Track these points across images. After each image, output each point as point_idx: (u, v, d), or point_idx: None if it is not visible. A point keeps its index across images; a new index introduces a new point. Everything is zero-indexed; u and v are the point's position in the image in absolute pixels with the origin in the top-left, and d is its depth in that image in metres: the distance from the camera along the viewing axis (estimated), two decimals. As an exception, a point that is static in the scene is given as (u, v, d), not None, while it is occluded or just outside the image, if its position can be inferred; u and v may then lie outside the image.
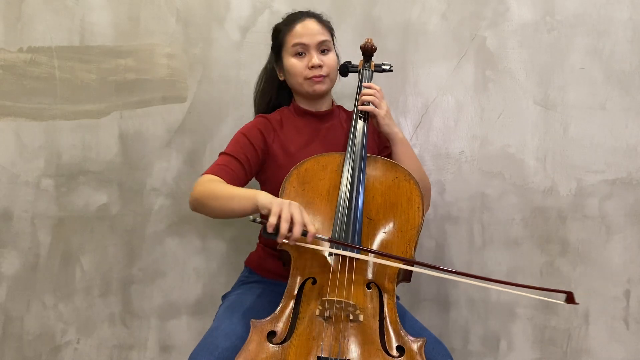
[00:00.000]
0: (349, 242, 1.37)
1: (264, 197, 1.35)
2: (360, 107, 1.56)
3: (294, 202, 1.31)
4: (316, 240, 1.32)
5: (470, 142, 1.91)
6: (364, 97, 1.56)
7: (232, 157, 1.55)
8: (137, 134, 1.93)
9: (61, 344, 1.95)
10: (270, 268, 1.62)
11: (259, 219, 1.30)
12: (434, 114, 1.92)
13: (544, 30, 1.90)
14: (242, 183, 1.56)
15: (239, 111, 1.92)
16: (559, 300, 1.33)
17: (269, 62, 1.72)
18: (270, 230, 1.28)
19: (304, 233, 1.29)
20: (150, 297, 1.95)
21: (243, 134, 1.59)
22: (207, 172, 1.53)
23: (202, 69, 1.93)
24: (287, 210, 1.28)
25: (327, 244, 1.36)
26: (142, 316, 1.95)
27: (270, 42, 1.69)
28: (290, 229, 1.28)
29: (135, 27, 1.93)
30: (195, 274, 1.95)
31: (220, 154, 1.58)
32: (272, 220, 1.27)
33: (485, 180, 1.91)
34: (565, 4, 1.89)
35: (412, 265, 1.39)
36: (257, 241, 1.73)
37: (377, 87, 1.58)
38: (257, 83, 1.75)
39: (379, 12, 1.92)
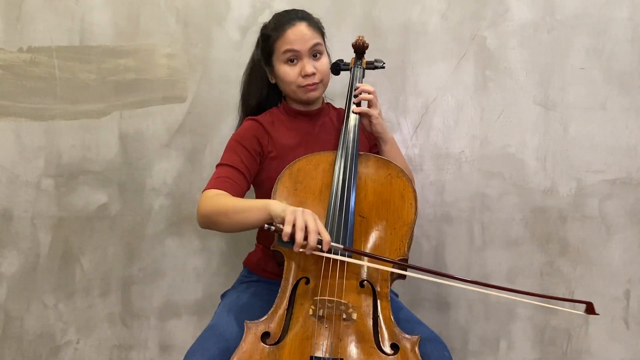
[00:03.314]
0: (341, 240, 1.36)
1: (276, 206, 1.32)
2: (356, 110, 1.55)
3: (307, 210, 1.29)
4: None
5: (470, 142, 1.91)
6: (362, 97, 1.55)
7: (232, 168, 1.51)
8: (137, 134, 1.93)
9: (61, 344, 1.95)
10: (268, 268, 1.62)
11: (273, 228, 1.28)
12: (434, 114, 1.92)
13: (544, 30, 1.90)
14: (245, 192, 1.54)
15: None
16: (579, 310, 1.32)
17: (256, 62, 1.67)
18: (285, 239, 1.26)
19: (319, 242, 1.27)
20: (150, 297, 1.95)
21: (238, 142, 1.56)
22: (208, 187, 1.48)
23: (202, 69, 1.93)
24: (301, 219, 1.26)
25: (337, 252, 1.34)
26: (142, 316, 1.95)
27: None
28: (305, 237, 1.26)
29: (135, 27, 1.93)
30: (195, 274, 1.95)
31: (218, 165, 1.54)
32: (287, 229, 1.25)
33: (485, 180, 1.91)
34: (565, 4, 1.89)
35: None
36: (256, 241, 1.72)
37: (372, 89, 1.56)
38: (245, 83, 1.71)
39: (379, 12, 1.92)
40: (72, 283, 1.94)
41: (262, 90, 1.67)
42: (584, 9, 1.89)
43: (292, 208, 1.30)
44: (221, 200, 1.42)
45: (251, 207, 1.37)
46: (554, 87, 1.90)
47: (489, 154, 1.91)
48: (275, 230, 1.28)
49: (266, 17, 1.90)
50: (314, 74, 1.55)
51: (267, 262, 1.63)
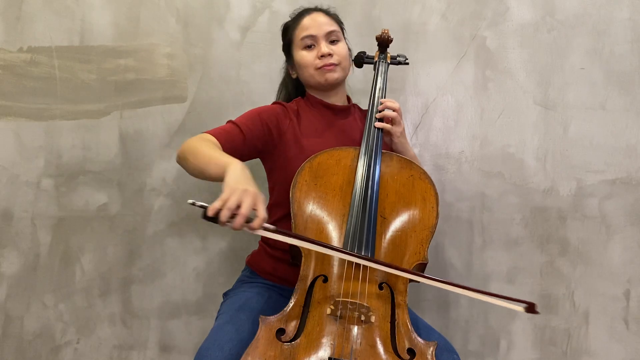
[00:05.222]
0: (364, 241, 1.34)
1: (231, 173, 1.25)
2: (378, 125, 1.54)
3: (250, 190, 1.19)
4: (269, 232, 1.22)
5: (470, 142, 1.91)
6: (385, 114, 1.55)
7: (237, 127, 1.52)
8: (137, 134, 1.93)
9: (61, 344, 1.95)
10: (270, 271, 1.59)
11: (198, 203, 1.17)
12: (434, 114, 1.92)
13: (544, 30, 1.90)
14: (238, 154, 1.49)
15: (239, 111, 1.89)
16: (520, 308, 1.30)
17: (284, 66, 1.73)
18: (210, 214, 1.15)
19: (249, 220, 1.17)
20: (150, 297, 1.95)
21: (257, 112, 1.58)
22: (207, 132, 1.50)
23: (202, 69, 1.93)
24: (235, 198, 1.17)
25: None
26: (142, 316, 1.95)
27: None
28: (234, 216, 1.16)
29: (135, 27, 1.93)
30: (195, 274, 1.95)
31: (228, 121, 1.56)
32: (217, 204, 1.16)
33: (485, 180, 1.91)
34: (565, 4, 1.89)
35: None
36: (260, 240, 1.72)
37: (397, 105, 1.58)
38: (278, 92, 1.76)
39: (379, 12, 1.92)
40: (72, 283, 1.94)
41: (288, 88, 1.73)
42: (584, 9, 1.89)
43: (234, 185, 1.20)
44: (202, 143, 1.42)
45: (216, 159, 1.34)
46: (554, 87, 1.90)
47: (489, 154, 1.91)
48: (199, 206, 1.17)
49: (266, 18, 1.92)
50: (330, 54, 1.57)
51: (270, 264, 1.60)
